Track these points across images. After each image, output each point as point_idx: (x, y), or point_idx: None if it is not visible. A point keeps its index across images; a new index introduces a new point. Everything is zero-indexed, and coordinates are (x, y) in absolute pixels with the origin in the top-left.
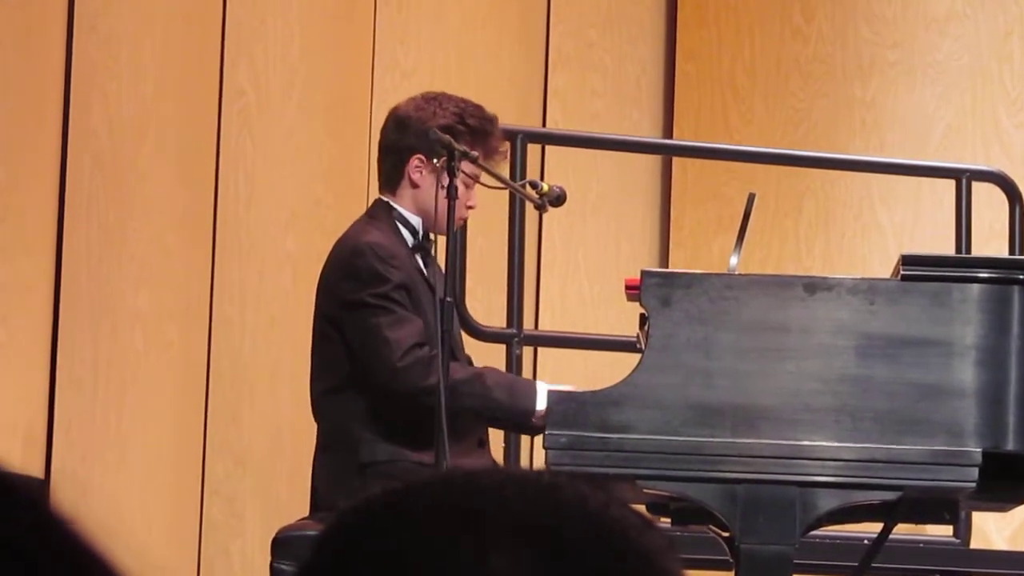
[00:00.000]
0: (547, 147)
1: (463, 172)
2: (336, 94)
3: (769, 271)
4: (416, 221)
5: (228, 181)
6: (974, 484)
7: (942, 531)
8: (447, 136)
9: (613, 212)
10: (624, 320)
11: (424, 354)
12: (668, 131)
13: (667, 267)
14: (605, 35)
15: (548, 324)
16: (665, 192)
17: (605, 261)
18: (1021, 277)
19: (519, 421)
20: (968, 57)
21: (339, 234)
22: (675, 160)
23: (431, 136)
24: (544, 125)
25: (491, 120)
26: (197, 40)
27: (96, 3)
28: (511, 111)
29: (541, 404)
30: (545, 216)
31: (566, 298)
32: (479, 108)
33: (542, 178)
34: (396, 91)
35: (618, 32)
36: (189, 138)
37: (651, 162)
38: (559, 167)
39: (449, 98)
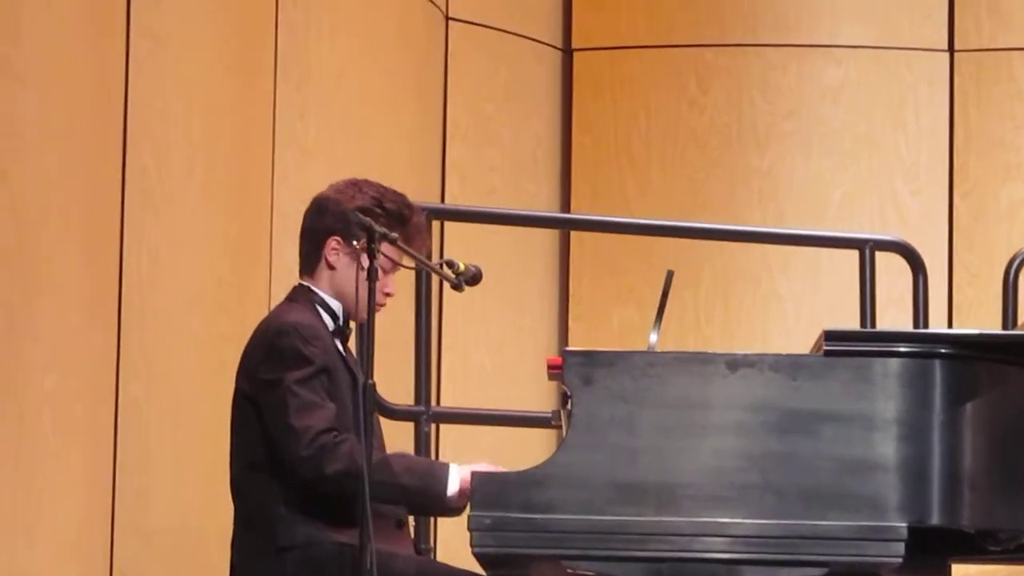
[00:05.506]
0: (445, 221)
1: (384, 255)
2: (237, 172)
3: (669, 343)
4: (336, 305)
5: (132, 261)
6: (900, 559)
7: None
8: (367, 218)
9: (512, 285)
10: (526, 393)
11: (329, 441)
12: (565, 203)
13: (567, 340)
14: (501, 109)
15: (449, 399)
16: (563, 265)
17: (505, 335)
18: (942, 351)
19: (431, 506)
20: (863, 126)
21: (242, 313)
22: (572, 232)
23: (351, 218)
24: (443, 199)
25: (410, 207)
26: (100, 120)
27: None
28: (411, 186)
29: (453, 487)
30: (445, 291)
31: (467, 373)
32: (399, 195)
33: (441, 253)
34: (297, 168)
35: (514, 105)
36: (93, 218)
37: (548, 234)
38: (457, 241)
39: (370, 183)
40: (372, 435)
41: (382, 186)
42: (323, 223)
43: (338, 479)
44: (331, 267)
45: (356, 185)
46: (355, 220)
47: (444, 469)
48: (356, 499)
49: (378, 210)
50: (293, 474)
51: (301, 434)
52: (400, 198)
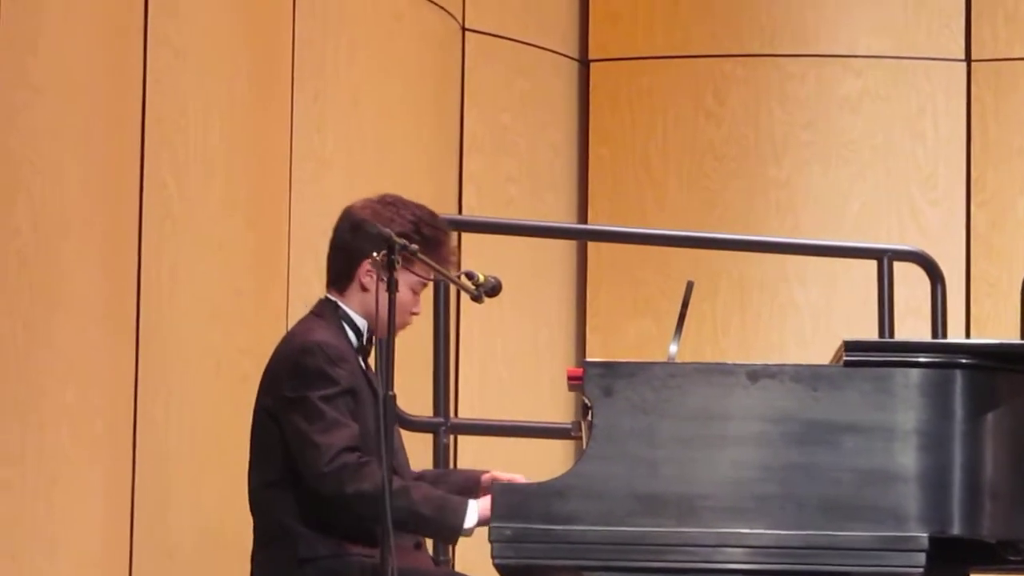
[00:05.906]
0: (462, 232)
1: (415, 274)
2: (256, 184)
3: (686, 354)
4: (362, 323)
5: (150, 273)
6: (921, 570)
7: None
8: (387, 230)
9: (529, 296)
10: (543, 404)
11: (352, 460)
12: (583, 214)
13: (584, 351)
14: (518, 120)
15: (467, 411)
16: (580, 275)
17: (522, 346)
18: (963, 361)
19: (445, 537)
20: (881, 136)
21: (260, 325)
22: (589, 243)
23: (371, 230)
24: (460, 210)
25: (444, 230)
26: (118, 131)
27: (17, 99)
28: (428, 197)
29: (470, 522)
30: (462, 302)
31: (485, 385)
32: (434, 216)
33: (459, 264)
34: (314, 180)
35: (531, 116)
36: (112, 232)
37: (565, 245)
38: (474, 252)
39: (406, 204)
40: (393, 449)
41: (418, 208)
42: (358, 244)
43: (357, 499)
44: (364, 288)
45: (394, 206)
46: (375, 231)
47: (464, 504)
48: (373, 521)
49: (416, 236)
50: (313, 490)
51: (324, 450)
52: (435, 221)
